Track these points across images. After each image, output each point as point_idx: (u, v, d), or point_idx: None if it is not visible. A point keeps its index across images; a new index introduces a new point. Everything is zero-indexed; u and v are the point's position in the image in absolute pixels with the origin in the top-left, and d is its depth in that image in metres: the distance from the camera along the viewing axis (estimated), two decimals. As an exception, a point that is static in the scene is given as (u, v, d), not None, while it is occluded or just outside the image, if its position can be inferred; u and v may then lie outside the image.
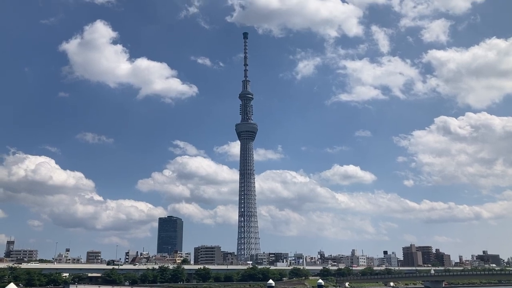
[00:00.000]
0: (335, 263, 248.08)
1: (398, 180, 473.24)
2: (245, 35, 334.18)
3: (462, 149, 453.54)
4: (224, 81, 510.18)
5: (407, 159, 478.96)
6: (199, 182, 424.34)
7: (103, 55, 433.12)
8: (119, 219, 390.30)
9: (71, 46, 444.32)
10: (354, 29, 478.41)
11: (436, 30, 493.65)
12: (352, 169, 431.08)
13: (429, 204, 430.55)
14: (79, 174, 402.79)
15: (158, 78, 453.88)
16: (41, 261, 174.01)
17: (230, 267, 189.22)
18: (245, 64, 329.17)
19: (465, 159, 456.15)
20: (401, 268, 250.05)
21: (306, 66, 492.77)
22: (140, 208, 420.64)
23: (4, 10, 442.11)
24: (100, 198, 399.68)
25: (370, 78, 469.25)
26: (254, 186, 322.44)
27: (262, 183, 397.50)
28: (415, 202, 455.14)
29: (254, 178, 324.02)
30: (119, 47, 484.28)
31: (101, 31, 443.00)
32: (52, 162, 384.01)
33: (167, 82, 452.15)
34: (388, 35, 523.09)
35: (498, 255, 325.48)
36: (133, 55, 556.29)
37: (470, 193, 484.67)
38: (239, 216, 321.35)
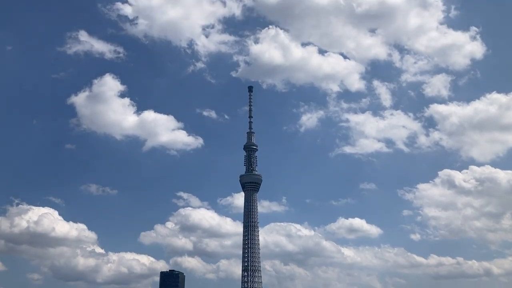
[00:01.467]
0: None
1: (404, 234, 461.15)
2: (250, 88, 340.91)
3: (468, 203, 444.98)
4: (229, 133, 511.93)
5: (412, 212, 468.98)
6: (202, 235, 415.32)
7: (111, 108, 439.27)
8: (120, 273, 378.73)
9: (79, 99, 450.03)
10: (356, 84, 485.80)
11: (437, 84, 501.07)
12: (357, 222, 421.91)
13: (436, 259, 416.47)
14: (82, 226, 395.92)
15: (164, 130, 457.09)
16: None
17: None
18: (250, 117, 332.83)
19: (472, 213, 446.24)
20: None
21: (309, 119, 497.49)
22: (142, 262, 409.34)
23: (18, 65, 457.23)
24: (102, 251, 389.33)
25: (374, 131, 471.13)
26: (258, 239, 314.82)
27: (266, 236, 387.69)
28: (423, 257, 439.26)
29: (258, 231, 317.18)
30: (126, 100, 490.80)
31: (110, 84, 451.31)
32: (56, 213, 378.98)
33: (173, 134, 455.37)
34: (390, 89, 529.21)
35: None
36: (140, 108, 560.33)
37: (478, 248, 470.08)
38: (242, 270, 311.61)
